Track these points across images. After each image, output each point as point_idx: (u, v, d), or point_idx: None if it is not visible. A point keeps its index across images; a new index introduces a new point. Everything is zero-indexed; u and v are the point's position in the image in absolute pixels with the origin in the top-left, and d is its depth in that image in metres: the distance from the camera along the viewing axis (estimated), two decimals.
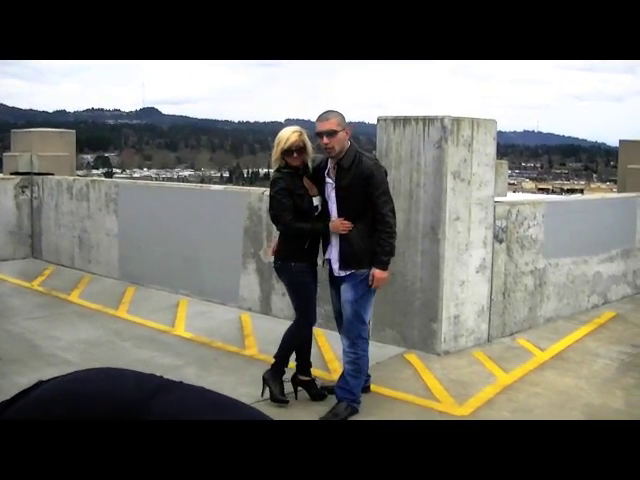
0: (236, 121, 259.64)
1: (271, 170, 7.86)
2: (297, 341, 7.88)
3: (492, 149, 9.61)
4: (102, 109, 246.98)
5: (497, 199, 10.16)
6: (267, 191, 11.16)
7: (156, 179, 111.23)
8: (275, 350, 7.90)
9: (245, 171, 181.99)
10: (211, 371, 8.76)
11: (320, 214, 7.63)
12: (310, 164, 7.66)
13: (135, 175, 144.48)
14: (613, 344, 9.99)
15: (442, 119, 9.05)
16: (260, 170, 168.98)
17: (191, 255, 12.25)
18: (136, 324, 10.80)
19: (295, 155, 7.47)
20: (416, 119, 9.26)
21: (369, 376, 8.03)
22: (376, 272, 7.34)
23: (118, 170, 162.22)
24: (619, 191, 15.45)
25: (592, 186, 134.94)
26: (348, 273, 7.47)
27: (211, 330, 10.40)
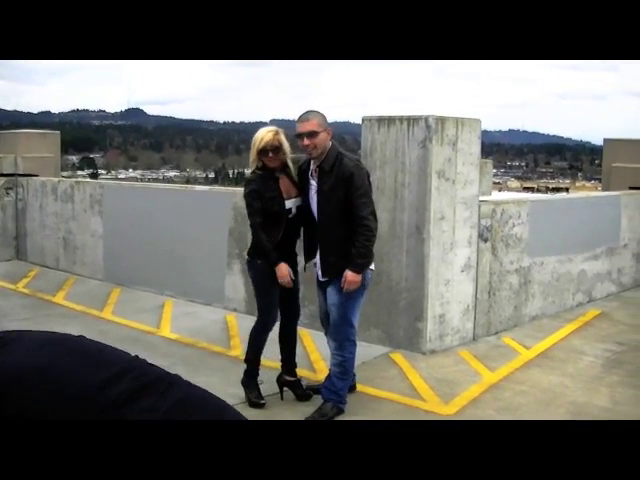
0: (221, 121, 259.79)
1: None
2: (261, 342, 7.82)
3: (477, 148, 9.63)
4: (87, 110, 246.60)
5: (482, 198, 10.19)
6: None
7: (141, 180, 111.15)
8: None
9: (231, 171, 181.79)
10: (197, 372, 8.74)
11: (297, 217, 7.59)
12: (291, 164, 7.62)
13: (120, 176, 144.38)
14: (598, 342, 10.01)
15: (426, 119, 9.06)
16: (246, 170, 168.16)
17: (176, 256, 12.23)
18: (121, 325, 10.77)
19: (271, 155, 7.41)
20: (400, 119, 9.26)
21: (354, 375, 8.01)
22: (348, 274, 7.19)
23: (103, 171, 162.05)
24: (604, 189, 15.50)
25: (577, 185, 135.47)
26: (331, 278, 7.42)
27: (197, 331, 10.38)
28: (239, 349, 9.49)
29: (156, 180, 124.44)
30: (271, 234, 7.49)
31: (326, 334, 7.85)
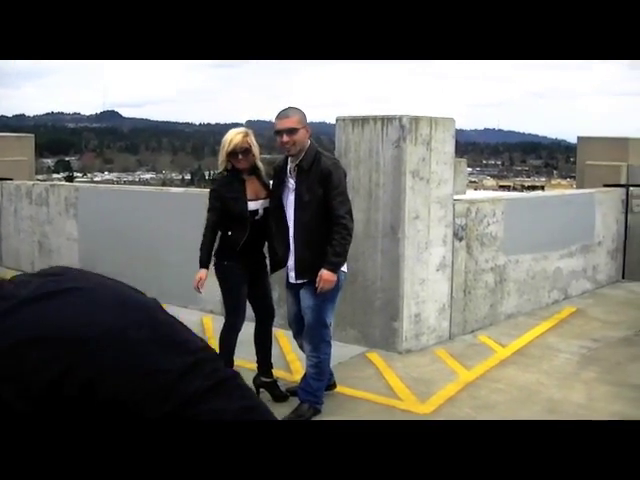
0: (197, 123, 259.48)
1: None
2: (231, 343, 7.79)
3: (451, 147, 9.65)
4: (62, 113, 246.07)
5: (456, 197, 10.22)
6: None
7: (117, 182, 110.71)
8: (236, 351, 7.88)
9: (207, 173, 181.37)
10: None
11: (263, 219, 7.55)
12: (261, 165, 7.60)
13: (96, 179, 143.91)
14: (574, 339, 10.06)
15: (400, 118, 9.08)
16: None
17: (152, 258, 12.20)
18: None
19: (240, 157, 7.40)
20: (374, 119, 9.28)
21: (331, 374, 7.99)
22: (324, 273, 7.11)
23: (79, 174, 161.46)
24: (578, 187, 15.56)
25: (553, 182, 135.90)
26: (306, 280, 7.37)
27: None
28: (215, 350, 9.49)
29: (132, 182, 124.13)
30: (236, 235, 7.48)
31: (295, 336, 7.82)
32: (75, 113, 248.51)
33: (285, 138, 7.12)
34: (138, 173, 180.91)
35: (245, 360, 8.21)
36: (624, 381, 8.48)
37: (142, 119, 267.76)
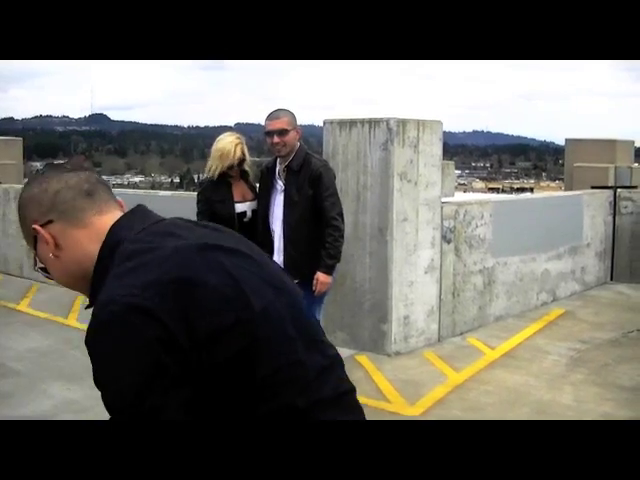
0: (186, 126, 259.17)
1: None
2: None
3: (438, 150, 9.67)
4: (50, 116, 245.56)
5: (444, 199, 10.23)
6: None
7: None
8: None
9: (196, 176, 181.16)
10: None
11: (252, 220, 7.55)
12: (248, 169, 7.60)
13: None
14: (562, 341, 10.08)
15: (388, 121, 9.09)
16: None
17: None
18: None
19: (235, 167, 7.46)
20: (362, 121, 9.29)
21: None
22: (320, 276, 7.18)
23: None
24: (566, 189, 15.58)
25: (542, 184, 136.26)
26: (295, 281, 7.30)
27: None
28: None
29: (121, 185, 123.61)
30: None
31: None
32: (64, 116, 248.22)
33: (276, 139, 7.17)
34: (127, 176, 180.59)
35: None
36: (612, 382, 8.50)
37: (131, 122, 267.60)
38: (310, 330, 2.09)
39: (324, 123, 9.67)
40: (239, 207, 7.50)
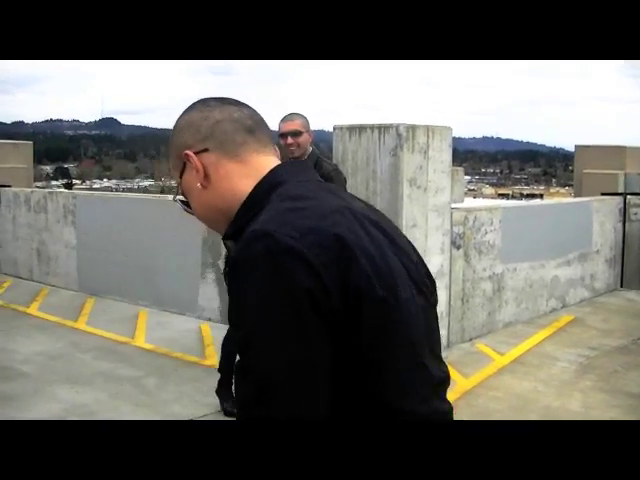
0: None
1: None
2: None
3: (447, 156, 9.66)
4: (61, 120, 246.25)
5: (454, 205, 10.22)
6: None
7: (116, 190, 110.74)
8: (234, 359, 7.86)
9: None
10: (171, 381, 8.73)
11: None
12: None
13: (95, 186, 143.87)
14: (571, 347, 10.06)
15: (397, 127, 9.09)
16: None
17: (150, 266, 12.21)
18: (95, 336, 10.73)
19: None
20: (372, 127, 9.29)
21: None
22: None
23: (78, 181, 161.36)
24: (575, 196, 15.58)
25: (552, 191, 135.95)
26: None
27: (171, 340, 10.36)
28: (213, 358, 9.48)
29: (131, 190, 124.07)
30: None
31: None
32: (74, 120, 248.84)
33: (290, 140, 7.28)
34: (137, 180, 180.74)
35: None
36: (621, 389, 8.48)
37: (140, 126, 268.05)
38: (435, 341, 2.00)
39: (334, 129, 9.67)
40: None
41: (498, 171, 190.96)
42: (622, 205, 13.92)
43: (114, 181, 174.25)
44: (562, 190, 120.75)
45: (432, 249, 9.50)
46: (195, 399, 8.11)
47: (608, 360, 9.58)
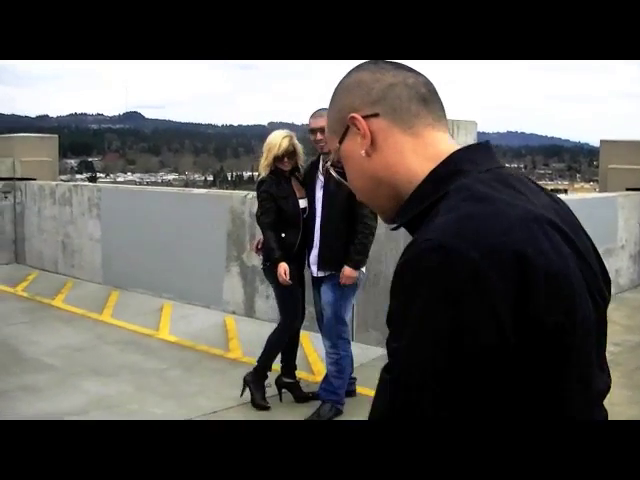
0: (219, 124, 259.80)
1: (255, 173, 7.81)
2: (281, 345, 7.86)
3: None
4: (85, 114, 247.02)
5: None
6: (250, 194, 11.18)
7: (140, 183, 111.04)
8: (257, 351, 7.90)
9: (229, 174, 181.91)
10: (195, 374, 8.77)
11: (307, 217, 7.63)
12: (302, 166, 7.70)
13: (119, 179, 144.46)
14: None
15: None
16: (244, 173, 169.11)
17: (175, 259, 12.25)
18: (120, 328, 10.79)
19: (286, 160, 7.51)
20: None
21: (355, 379, 8.05)
22: (346, 270, 7.30)
23: (102, 174, 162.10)
24: (601, 191, 15.50)
25: (576, 186, 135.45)
26: (327, 274, 7.49)
27: (195, 333, 10.40)
28: (237, 351, 9.52)
29: (155, 183, 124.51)
30: (291, 236, 7.55)
31: (322, 334, 7.88)
32: (98, 114, 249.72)
33: (319, 136, 7.29)
34: (160, 174, 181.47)
35: None
36: None
37: (164, 120, 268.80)
38: (602, 352, 1.87)
39: None
40: (301, 203, 7.58)
41: (522, 166, 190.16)
42: None
43: (138, 175, 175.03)
44: (586, 185, 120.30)
45: None
46: (219, 392, 8.14)
47: (631, 356, 9.54)
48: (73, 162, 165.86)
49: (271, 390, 7.87)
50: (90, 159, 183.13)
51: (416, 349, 1.56)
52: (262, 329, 9.06)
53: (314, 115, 7.45)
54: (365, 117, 1.82)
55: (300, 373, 8.23)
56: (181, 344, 9.98)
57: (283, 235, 7.54)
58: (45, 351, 9.64)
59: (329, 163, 2.02)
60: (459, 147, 1.81)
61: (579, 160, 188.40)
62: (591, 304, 1.70)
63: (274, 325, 7.98)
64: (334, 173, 2.04)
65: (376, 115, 1.82)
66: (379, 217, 2.02)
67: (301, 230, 7.57)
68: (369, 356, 9.15)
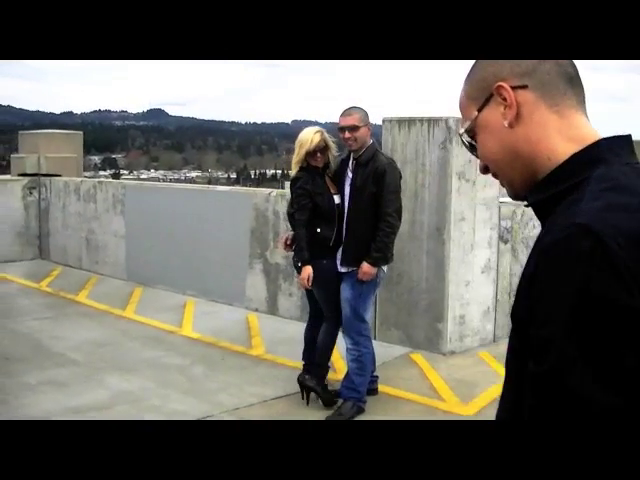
0: (243, 122, 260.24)
1: (279, 171, 7.82)
2: (333, 340, 7.84)
3: None
4: (109, 110, 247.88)
5: (502, 199, 10.18)
6: (274, 192, 11.21)
7: (163, 180, 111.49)
8: (279, 349, 7.91)
9: (252, 172, 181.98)
10: (218, 370, 8.80)
11: (339, 213, 7.65)
12: (333, 162, 7.72)
13: (142, 176, 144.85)
14: None
15: (447, 120, 9.08)
16: (267, 171, 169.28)
17: (198, 256, 12.29)
18: (143, 324, 10.84)
19: (318, 155, 7.52)
20: (421, 120, 9.29)
21: (377, 377, 8.08)
22: (364, 266, 7.36)
23: (125, 171, 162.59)
24: None
25: None
26: (349, 270, 7.51)
27: (218, 330, 10.43)
28: (260, 348, 9.55)
29: (178, 180, 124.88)
30: (326, 231, 7.56)
31: (342, 331, 7.89)
32: (122, 111, 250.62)
33: (347, 134, 7.41)
34: (184, 171, 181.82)
35: (290, 359, 8.31)
36: None
37: (188, 117, 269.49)
38: None
39: (383, 121, 9.68)
40: (336, 199, 7.62)
41: None
42: None
43: (161, 172, 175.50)
44: None
45: (480, 243, 9.49)
46: (242, 388, 8.17)
47: None
48: (97, 159, 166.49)
49: (293, 387, 7.89)
50: (113, 156, 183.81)
51: (573, 336, 1.51)
52: (284, 327, 9.11)
53: (343, 114, 7.53)
54: (513, 88, 1.80)
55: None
56: (204, 341, 10.02)
57: (318, 230, 7.55)
58: (69, 346, 9.70)
59: (462, 130, 1.97)
60: (609, 137, 1.78)
61: None
62: None
63: (296, 322, 8.00)
64: (464, 139, 1.96)
65: (524, 87, 1.80)
66: (507, 191, 1.98)
67: (336, 225, 7.59)
68: (391, 354, 9.18)
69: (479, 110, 1.86)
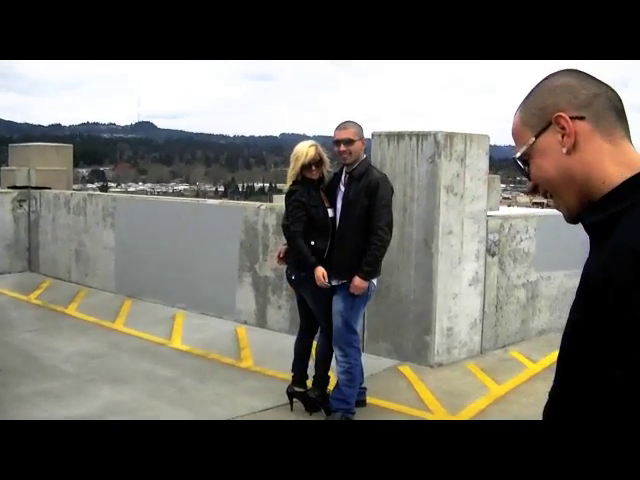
0: (231, 135, 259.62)
1: (267, 184, 7.88)
2: (332, 352, 7.87)
3: (484, 164, 9.71)
4: (97, 123, 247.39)
5: (489, 213, 10.26)
6: (263, 205, 11.27)
7: (151, 193, 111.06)
8: (268, 361, 7.94)
9: (240, 185, 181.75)
10: (207, 382, 8.85)
11: (332, 226, 7.71)
12: (326, 176, 7.79)
13: (130, 189, 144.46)
14: None
15: (435, 134, 9.16)
16: (255, 184, 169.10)
17: (187, 268, 12.33)
18: (133, 336, 10.87)
19: (313, 169, 7.58)
20: (410, 134, 9.37)
21: (365, 389, 8.13)
22: (356, 280, 7.41)
23: (113, 184, 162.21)
24: None
25: None
26: (340, 283, 7.56)
27: (207, 342, 10.46)
28: (249, 361, 9.59)
29: (166, 193, 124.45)
30: (320, 243, 7.60)
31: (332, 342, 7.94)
32: (110, 123, 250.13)
33: (342, 147, 7.51)
34: (172, 184, 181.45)
35: (278, 370, 8.36)
36: None
37: (176, 130, 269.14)
38: None
39: (372, 136, 9.74)
40: (330, 212, 7.69)
41: None
42: None
43: (149, 184, 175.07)
44: None
45: (467, 256, 9.56)
46: (231, 400, 8.22)
47: None
48: (85, 171, 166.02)
49: (282, 399, 7.95)
50: (102, 168, 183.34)
51: None
52: (274, 339, 9.15)
53: (338, 127, 7.63)
54: (572, 118, 1.95)
55: (310, 382, 8.29)
56: (193, 353, 10.06)
57: (313, 243, 7.60)
58: (60, 358, 9.73)
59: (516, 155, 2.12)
60: None
61: None
62: None
63: (285, 335, 8.05)
64: (518, 161, 2.11)
65: (582, 118, 1.95)
66: (563, 212, 2.13)
67: (329, 238, 7.64)
68: (379, 366, 9.23)
69: (536, 136, 2.01)
